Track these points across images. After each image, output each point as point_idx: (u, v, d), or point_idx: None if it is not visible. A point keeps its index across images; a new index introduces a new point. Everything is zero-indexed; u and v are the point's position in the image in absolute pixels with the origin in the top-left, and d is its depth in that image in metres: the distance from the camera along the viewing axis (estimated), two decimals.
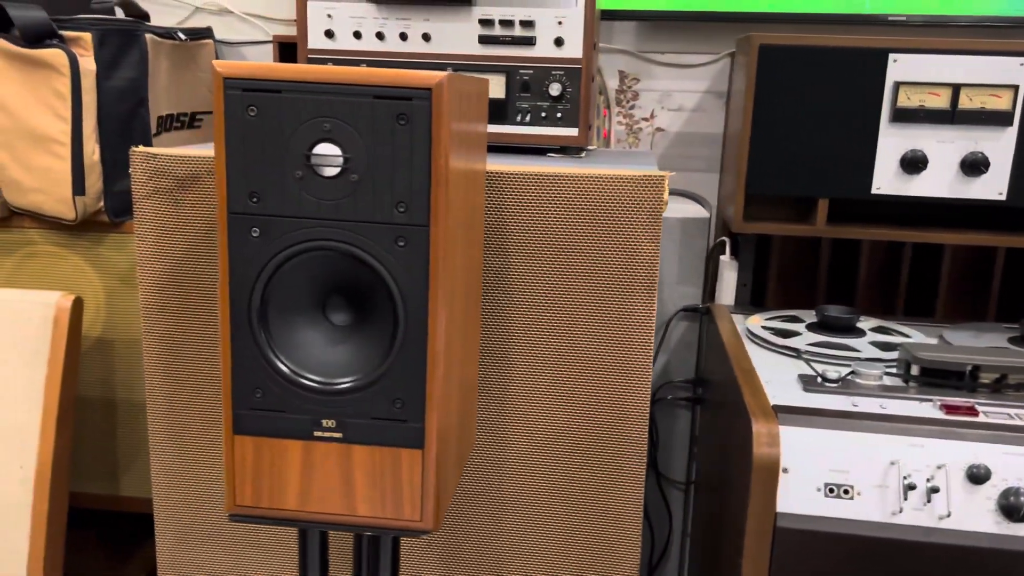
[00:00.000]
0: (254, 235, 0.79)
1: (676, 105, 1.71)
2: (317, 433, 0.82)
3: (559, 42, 1.25)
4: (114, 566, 1.66)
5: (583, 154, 1.32)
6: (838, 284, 1.60)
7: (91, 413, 1.52)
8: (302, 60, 1.31)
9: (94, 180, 1.38)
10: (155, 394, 1.17)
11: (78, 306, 1.36)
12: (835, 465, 1.01)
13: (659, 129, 1.72)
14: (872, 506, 1.00)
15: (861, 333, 1.33)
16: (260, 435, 0.83)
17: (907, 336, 1.34)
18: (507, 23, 1.25)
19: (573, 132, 1.27)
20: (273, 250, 0.79)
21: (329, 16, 1.29)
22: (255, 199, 0.78)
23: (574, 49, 1.25)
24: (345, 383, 0.81)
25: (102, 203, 1.41)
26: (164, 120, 1.55)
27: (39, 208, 1.40)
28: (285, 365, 0.81)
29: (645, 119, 1.72)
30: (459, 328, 0.89)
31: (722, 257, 1.53)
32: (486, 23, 1.26)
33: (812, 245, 1.58)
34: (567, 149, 1.30)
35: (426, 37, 1.27)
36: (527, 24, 1.25)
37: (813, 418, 1.03)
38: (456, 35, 1.27)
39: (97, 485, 1.56)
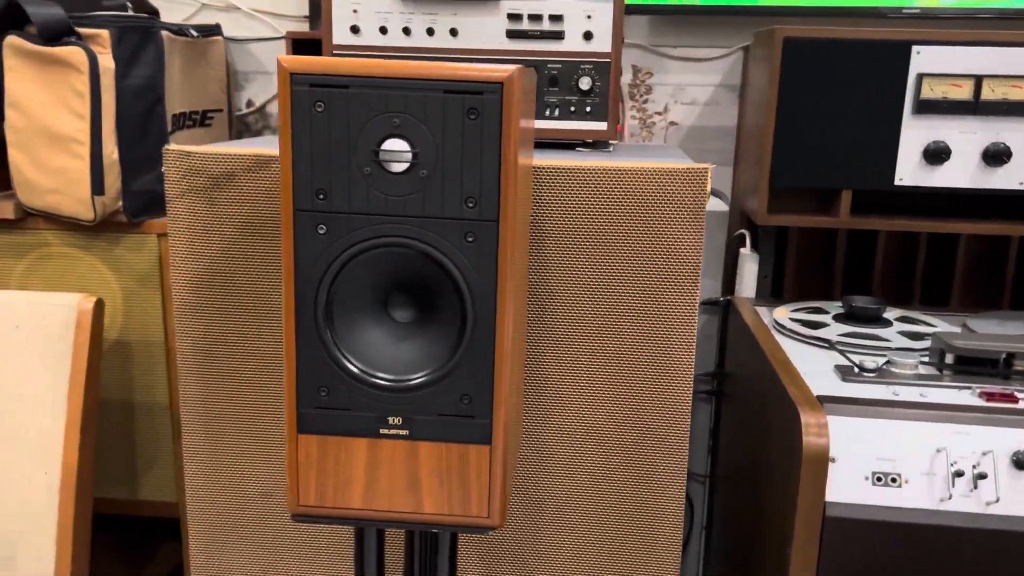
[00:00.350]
0: (320, 232, 0.78)
1: (689, 99, 1.71)
2: (383, 431, 0.82)
3: (588, 36, 1.25)
4: (133, 570, 1.64)
5: (611, 148, 1.31)
6: (853, 274, 1.62)
7: (109, 416, 1.50)
8: (327, 56, 1.29)
9: (113, 180, 1.36)
10: (189, 396, 1.16)
11: (100, 308, 1.34)
12: (882, 454, 1.02)
13: (672, 123, 1.72)
14: (920, 493, 1.01)
15: (888, 323, 1.34)
16: (325, 434, 0.82)
17: (932, 325, 1.35)
18: (536, 17, 1.25)
19: (602, 126, 1.27)
20: (340, 247, 0.78)
21: (355, 11, 1.27)
22: (322, 196, 0.77)
23: (603, 43, 1.25)
24: (413, 380, 0.80)
25: (120, 203, 1.39)
26: (177, 118, 1.53)
27: (56, 209, 1.37)
28: (352, 363, 0.80)
29: (658, 113, 1.72)
30: (519, 323, 0.89)
31: (742, 250, 1.54)
32: (514, 17, 1.25)
33: (828, 237, 1.59)
34: (596, 143, 1.29)
35: (453, 32, 1.26)
36: (556, 18, 1.25)
37: (858, 407, 1.04)
38: (484, 29, 1.26)
39: (115, 489, 1.54)
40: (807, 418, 1.02)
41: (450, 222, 0.77)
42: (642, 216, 1.05)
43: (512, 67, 0.74)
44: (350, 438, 0.82)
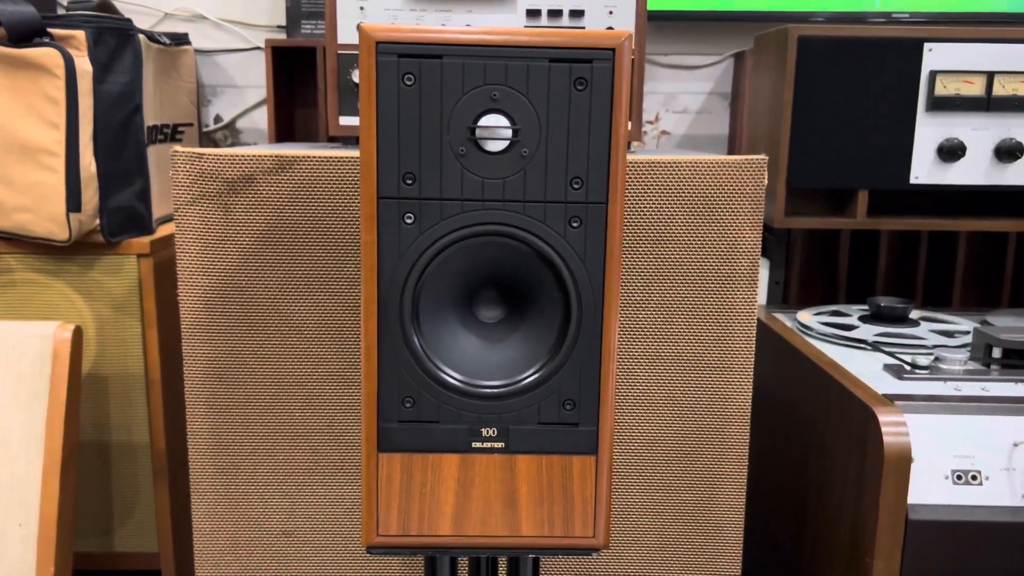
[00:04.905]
0: (408, 222, 0.69)
1: (681, 107, 1.68)
2: (476, 445, 0.73)
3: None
4: None
5: (632, 150, 1.26)
6: (854, 276, 1.60)
7: (81, 460, 1.35)
8: (331, 57, 1.20)
9: (90, 195, 1.23)
10: (198, 427, 1.04)
11: (79, 337, 1.20)
12: (959, 451, 0.98)
13: (664, 132, 1.69)
14: (1002, 491, 0.97)
15: (915, 323, 1.31)
16: (410, 451, 0.72)
17: (955, 323, 1.33)
18: (555, 13, 1.19)
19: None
20: (431, 239, 0.69)
21: (361, 8, 1.19)
22: (409, 180, 0.69)
23: None
24: (514, 386, 0.72)
25: (97, 221, 1.26)
26: (151, 131, 1.41)
27: (24, 229, 1.24)
28: (442, 370, 0.71)
29: (650, 122, 1.68)
30: None
31: None
32: (533, 14, 1.19)
33: (831, 240, 1.57)
34: None
35: None
36: (576, 14, 1.19)
37: (928, 404, 1.00)
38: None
39: (88, 542, 1.38)
40: (885, 417, 0.97)
41: (554, 206, 0.70)
42: (701, 211, 0.99)
43: (623, 31, 0.68)
44: (439, 455, 0.73)
